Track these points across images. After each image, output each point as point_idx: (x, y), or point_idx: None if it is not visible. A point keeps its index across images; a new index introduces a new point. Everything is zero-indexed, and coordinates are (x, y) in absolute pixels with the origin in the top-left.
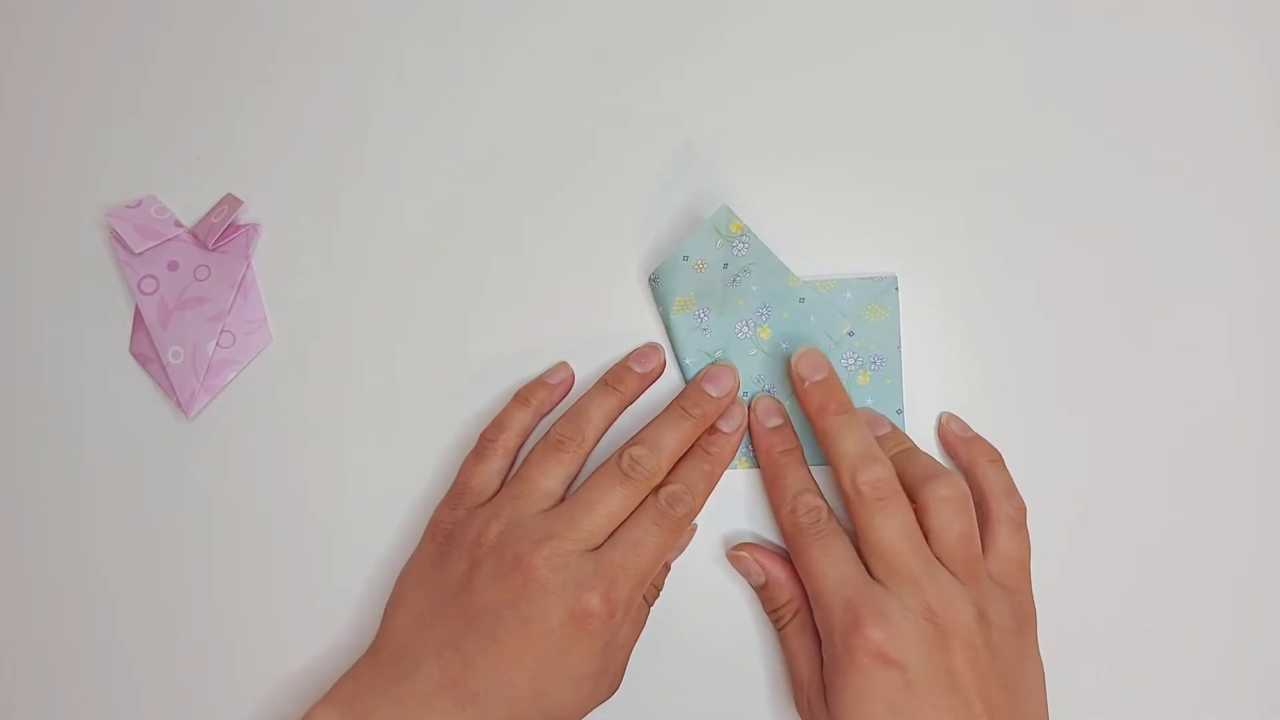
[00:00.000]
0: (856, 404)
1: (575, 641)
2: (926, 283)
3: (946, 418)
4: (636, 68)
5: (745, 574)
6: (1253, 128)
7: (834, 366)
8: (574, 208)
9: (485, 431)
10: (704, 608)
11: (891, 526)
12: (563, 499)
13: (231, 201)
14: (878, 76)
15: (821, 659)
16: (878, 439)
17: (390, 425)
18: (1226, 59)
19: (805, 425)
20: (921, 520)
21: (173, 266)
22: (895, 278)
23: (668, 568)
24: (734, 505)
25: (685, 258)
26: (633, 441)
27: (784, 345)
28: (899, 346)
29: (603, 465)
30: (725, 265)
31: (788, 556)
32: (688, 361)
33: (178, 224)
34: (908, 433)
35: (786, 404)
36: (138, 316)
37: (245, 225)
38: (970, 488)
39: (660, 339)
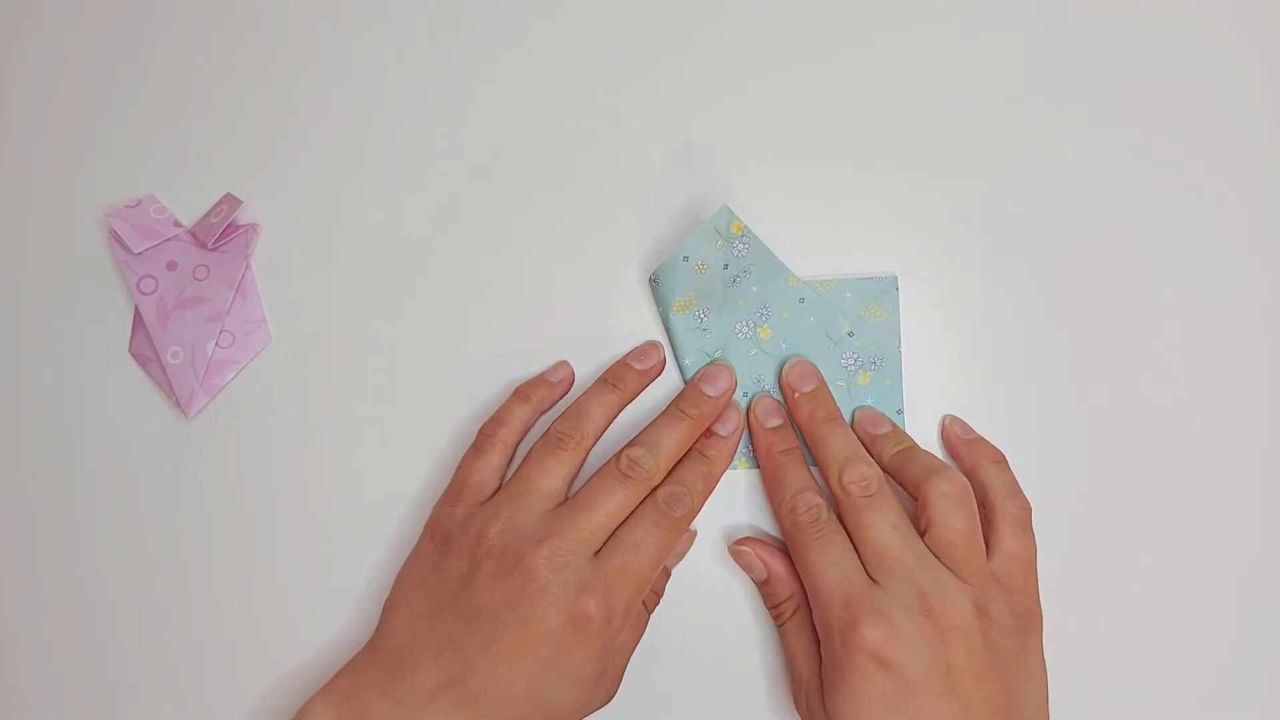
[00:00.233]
0: (857, 404)
1: (574, 644)
2: (926, 283)
3: (949, 420)
4: (636, 68)
5: (747, 569)
6: (1253, 127)
7: (834, 366)
8: (574, 208)
9: (484, 427)
10: (704, 604)
11: (880, 522)
12: (564, 498)
13: (231, 201)
14: (878, 76)
15: (820, 657)
16: (878, 438)
17: (390, 425)
18: (1227, 59)
19: None
20: (923, 516)
21: (172, 266)
22: (895, 278)
23: (668, 574)
24: (734, 505)
25: (685, 258)
26: (631, 443)
27: (784, 345)
28: (899, 346)
29: (602, 467)
30: (725, 266)
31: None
32: (687, 362)
33: (177, 224)
34: (908, 432)
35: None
36: (137, 316)
37: (244, 225)
38: (974, 489)
39: (660, 339)
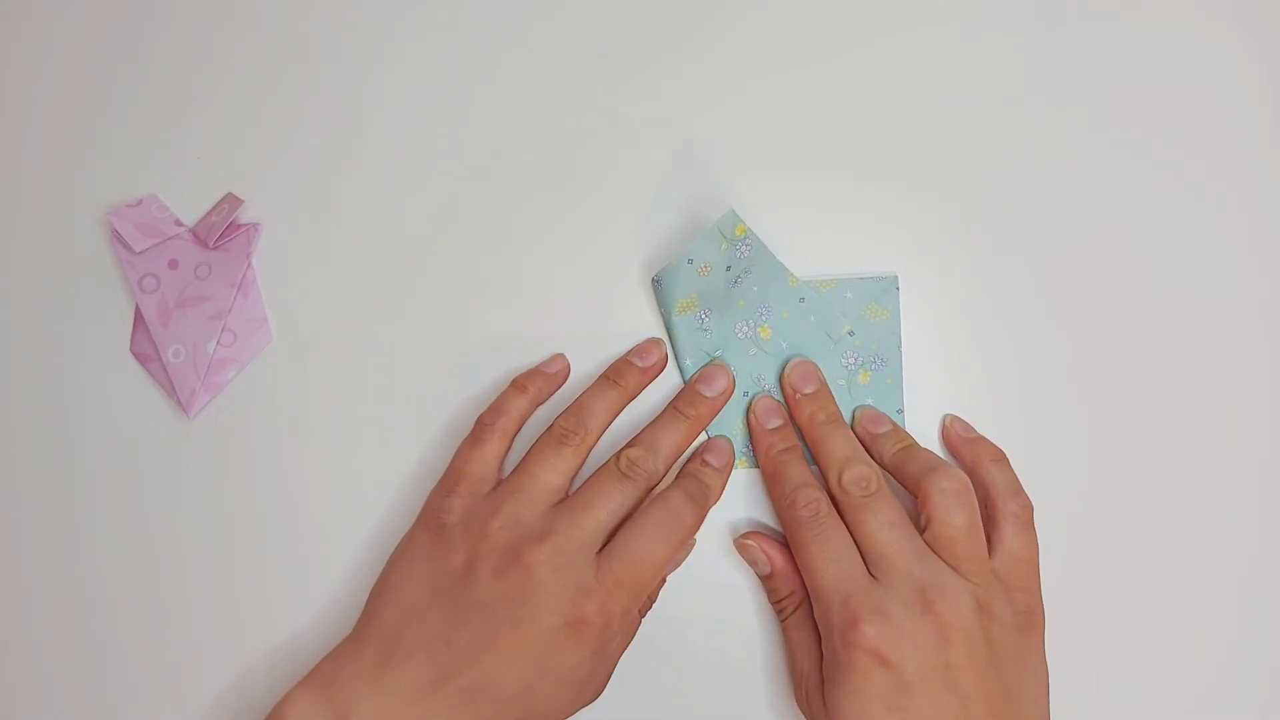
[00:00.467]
0: (857, 403)
1: (569, 647)
2: (927, 283)
3: (950, 419)
4: (636, 68)
5: (751, 563)
6: (1253, 127)
7: (834, 366)
8: (574, 208)
9: (482, 416)
10: (706, 600)
11: (878, 520)
12: (565, 494)
13: (232, 200)
14: (878, 76)
15: (821, 653)
16: (878, 436)
17: (390, 424)
18: (1227, 59)
19: None
20: (923, 513)
21: (173, 265)
22: (896, 277)
23: (663, 580)
24: (735, 502)
25: (690, 261)
26: (630, 443)
27: (784, 345)
28: (899, 346)
29: (601, 466)
30: (728, 268)
31: None
32: (688, 362)
33: (178, 223)
34: (908, 432)
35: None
36: (138, 315)
37: (246, 224)
38: (976, 489)
39: (661, 338)
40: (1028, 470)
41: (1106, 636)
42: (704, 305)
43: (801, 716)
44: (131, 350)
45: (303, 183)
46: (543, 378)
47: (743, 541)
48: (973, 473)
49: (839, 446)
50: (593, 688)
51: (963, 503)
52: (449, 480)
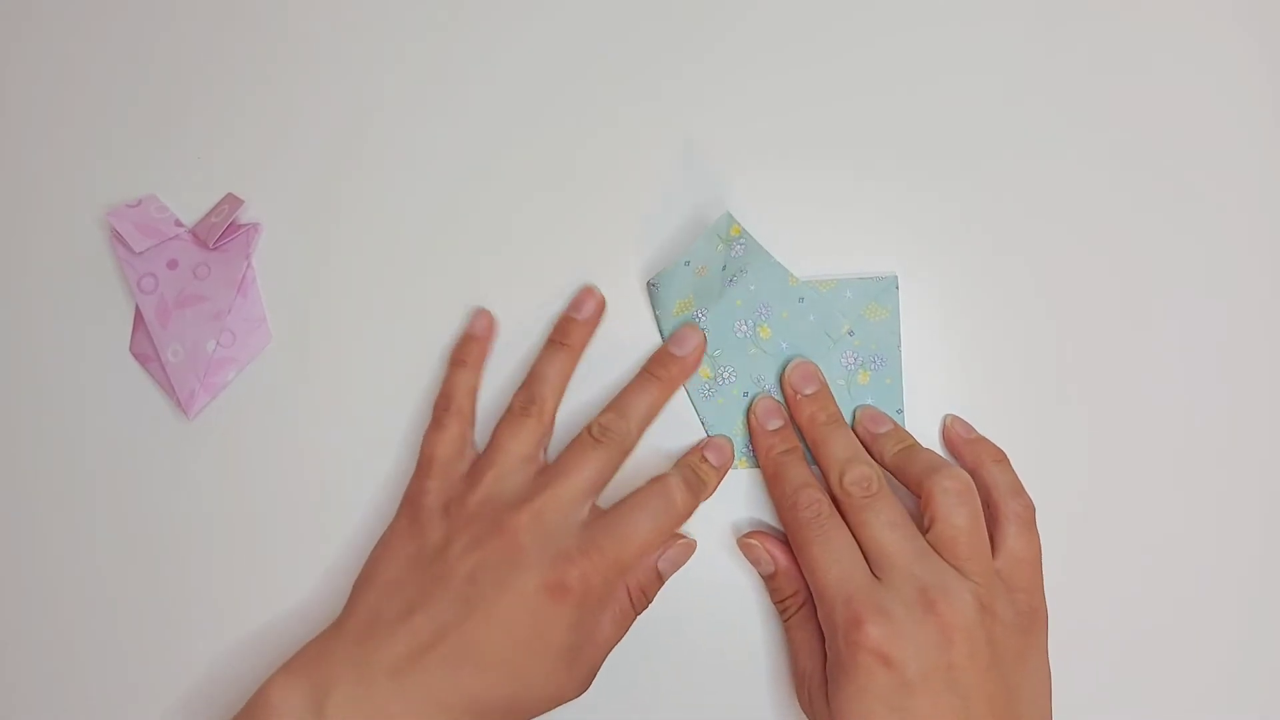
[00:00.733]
0: (857, 403)
1: (550, 612)
2: (926, 282)
3: (950, 420)
4: (636, 68)
5: (755, 562)
6: (1254, 127)
7: (834, 365)
8: (574, 208)
9: (435, 403)
10: (708, 599)
11: (880, 520)
12: (538, 464)
13: (232, 201)
14: (878, 76)
15: (824, 653)
16: (879, 436)
17: (390, 424)
18: (1227, 60)
19: None
20: (925, 513)
21: (173, 265)
22: (895, 277)
23: (661, 580)
24: (736, 503)
25: (687, 263)
26: (603, 410)
27: (784, 344)
28: (899, 346)
29: (576, 436)
30: (724, 267)
31: None
32: None
33: (178, 223)
34: (908, 432)
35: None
36: (138, 315)
37: (245, 225)
38: (978, 489)
39: (656, 341)
40: (1028, 470)
41: (1106, 636)
42: (700, 305)
43: (804, 716)
44: (131, 350)
45: (302, 183)
46: (474, 342)
47: (746, 541)
48: (974, 473)
49: (840, 447)
50: (578, 674)
51: (965, 503)
52: (421, 468)
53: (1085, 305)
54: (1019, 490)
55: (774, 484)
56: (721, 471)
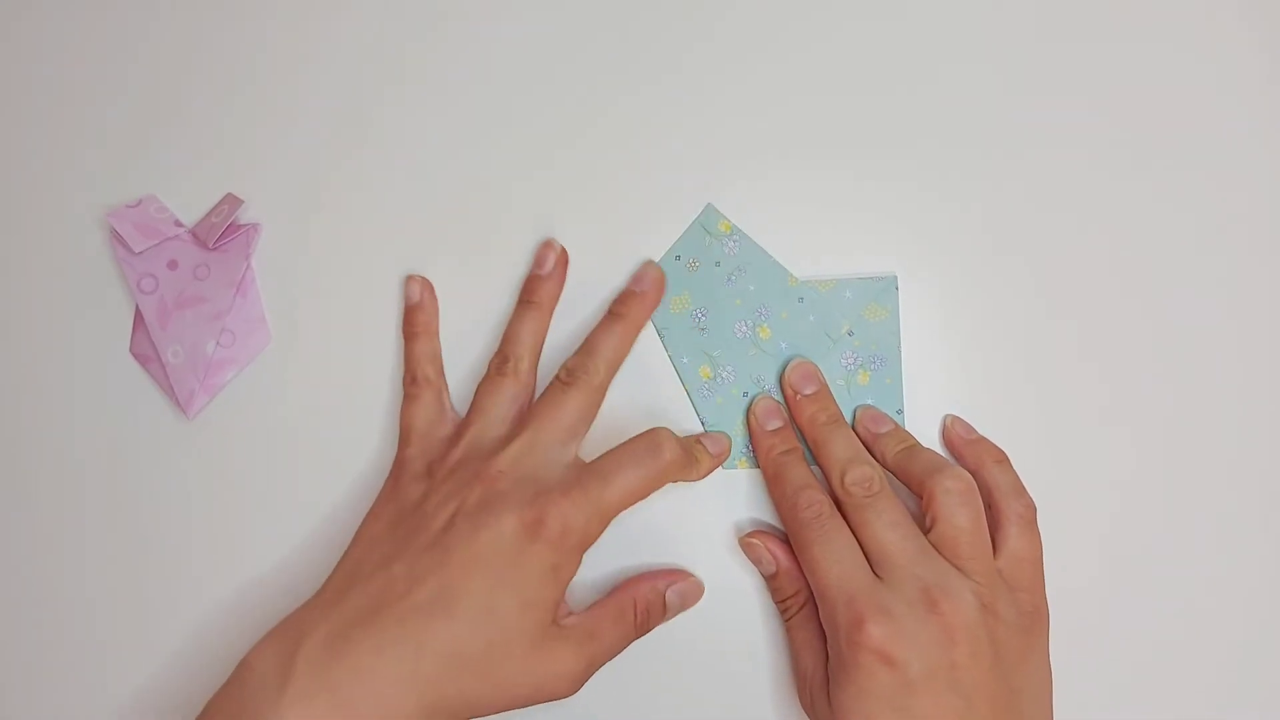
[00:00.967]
0: (856, 403)
1: (528, 551)
2: (926, 283)
3: (951, 420)
4: (635, 68)
5: (756, 562)
6: (1257, 127)
7: (834, 366)
8: (573, 208)
9: (403, 379)
10: (709, 599)
11: (882, 520)
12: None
13: (232, 201)
14: (878, 76)
15: (826, 653)
16: (880, 436)
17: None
18: (1228, 59)
19: None
20: (927, 513)
21: (173, 266)
22: (895, 277)
23: (666, 610)
24: (736, 503)
25: (677, 257)
26: (571, 356)
27: (783, 345)
28: (899, 346)
29: (547, 385)
30: (718, 263)
31: None
32: (685, 360)
33: (178, 223)
34: (908, 432)
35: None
36: (138, 316)
37: (245, 225)
38: (979, 490)
39: (654, 340)
40: (1028, 470)
41: (1107, 636)
42: (699, 304)
43: (805, 717)
44: (131, 351)
45: (303, 184)
46: (419, 311)
47: (748, 540)
48: (975, 474)
49: (841, 447)
50: (565, 654)
51: (967, 503)
52: (401, 440)
53: (1086, 304)
54: (1020, 490)
55: (774, 485)
56: (717, 458)
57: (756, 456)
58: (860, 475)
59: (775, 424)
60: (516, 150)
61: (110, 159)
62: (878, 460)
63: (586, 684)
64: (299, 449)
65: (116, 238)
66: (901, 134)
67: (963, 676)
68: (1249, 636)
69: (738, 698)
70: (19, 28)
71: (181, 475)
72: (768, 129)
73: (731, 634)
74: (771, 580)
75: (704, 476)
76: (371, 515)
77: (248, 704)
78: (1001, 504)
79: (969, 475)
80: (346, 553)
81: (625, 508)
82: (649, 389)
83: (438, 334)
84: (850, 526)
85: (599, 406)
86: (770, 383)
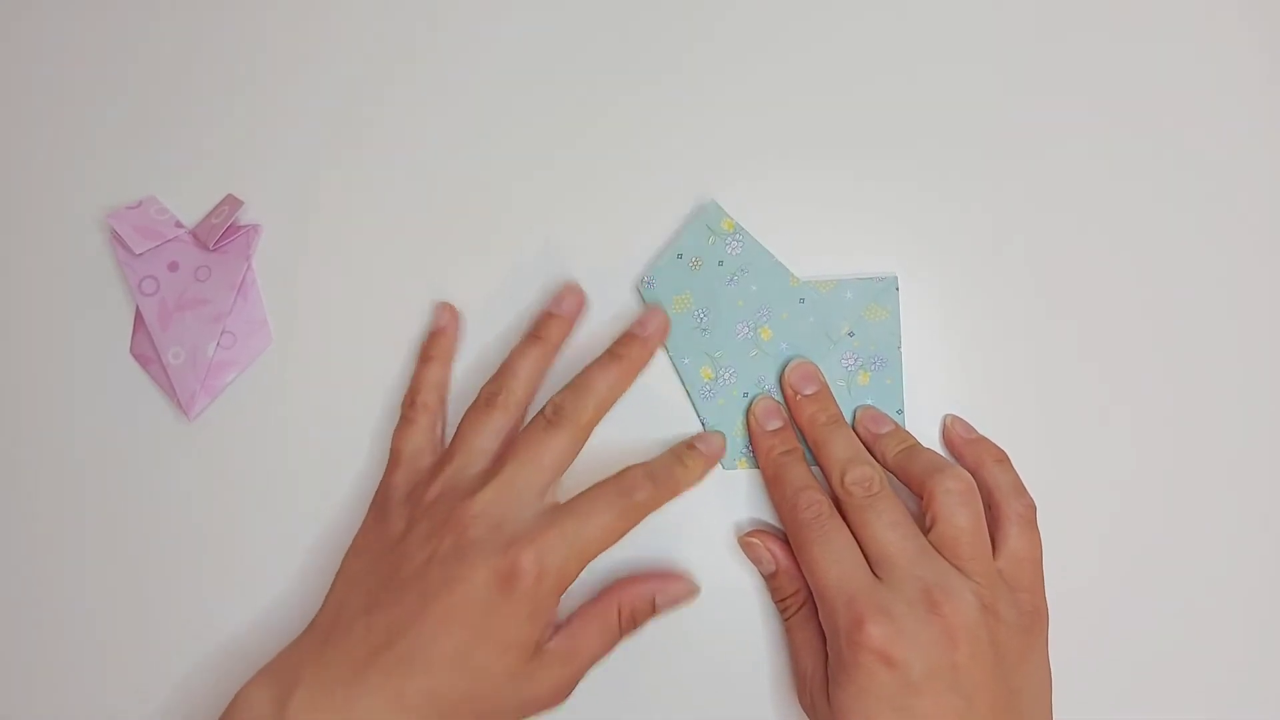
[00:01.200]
0: (857, 403)
1: (502, 604)
2: (926, 283)
3: (951, 420)
4: (635, 68)
5: (756, 561)
6: (1257, 127)
7: (834, 366)
8: (573, 208)
9: (403, 399)
10: (708, 599)
11: (882, 520)
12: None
13: (232, 202)
14: (878, 75)
15: (825, 653)
16: (880, 437)
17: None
18: (1228, 59)
19: None
20: (927, 513)
21: (173, 267)
22: (895, 278)
23: (654, 610)
24: (736, 503)
25: (679, 255)
26: (561, 390)
27: (784, 345)
28: (899, 346)
29: (530, 419)
30: (720, 263)
31: None
32: (686, 361)
33: (178, 225)
34: (909, 432)
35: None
36: (138, 317)
37: (246, 226)
38: (979, 489)
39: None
40: (1028, 470)
41: (1107, 636)
42: (701, 304)
43: (804, 717)
44: (131, 352)
45: (303, 184)
46: (442, 337)
47: (747, 540)
48: (975, 473)
49: (841, 448)
50: (549, 676)
51: (967, 503)
52: (391, 463)
53: (1086, 304)
54: (1020, 490)
55: (774, 485)
56: (709, 460)
57: (756, 457)
58: (860, 475)
59: (775, 424)
60: (516, 150)
61: (110, 160)
62: (878, 460)
63: (586, 685)
64: (300, 450)
65: (117, 239)
66: (901, 134)
67: (963, 677)
68: (1249, 636)
69: (738, 698)
70: (19, 28)
71: (182, 477)
72: (768, 129)
73: (731, 634)
74: (771, 580)
75: (700, 479)
76: (354, 550)
77: None
78: (1002, 504)
79: (969, 475)
80: (332, 589)
81: (604, 547)
82: (649, 389)
83: (451, 363)
84: (850, 527)
85: (583, 445)
86: (771, 383)
